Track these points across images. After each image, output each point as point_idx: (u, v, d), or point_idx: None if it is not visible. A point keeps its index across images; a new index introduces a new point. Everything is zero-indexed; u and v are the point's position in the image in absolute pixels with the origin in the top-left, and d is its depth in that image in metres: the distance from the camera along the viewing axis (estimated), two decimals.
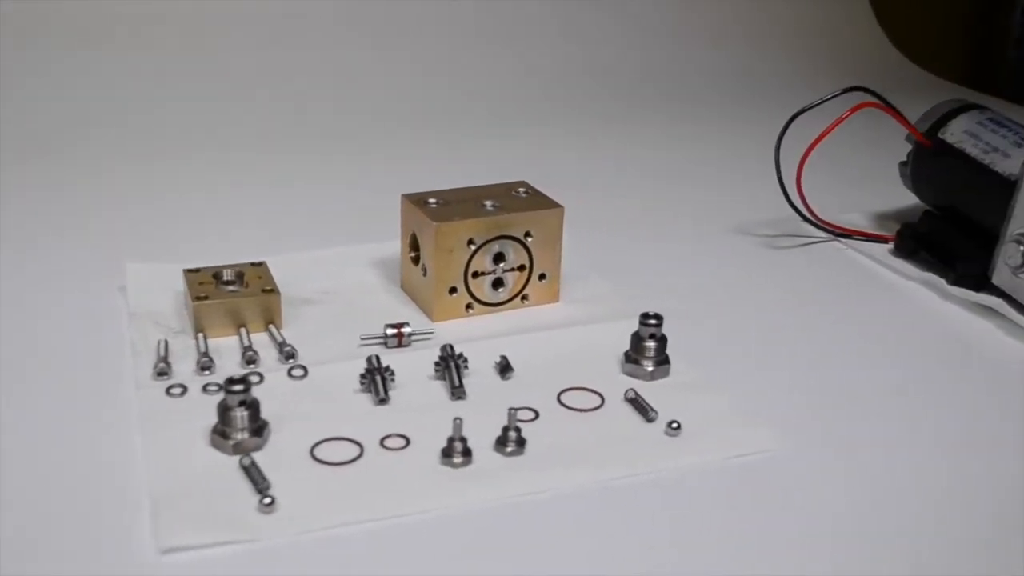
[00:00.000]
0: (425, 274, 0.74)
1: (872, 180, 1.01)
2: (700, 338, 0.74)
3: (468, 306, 0.74)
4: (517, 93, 1.37)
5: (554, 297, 0.77)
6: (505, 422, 0.59)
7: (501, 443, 0.59)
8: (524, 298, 0.76)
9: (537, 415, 0.63)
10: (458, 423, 0.58)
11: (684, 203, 1.02)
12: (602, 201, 1.00)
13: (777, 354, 0.73)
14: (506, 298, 0.75)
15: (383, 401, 0.63)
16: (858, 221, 0.96)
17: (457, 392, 0.64)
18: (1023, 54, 1.75)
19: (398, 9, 1.42)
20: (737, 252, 0.90)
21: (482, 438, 0.60)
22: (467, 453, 0.58)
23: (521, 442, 0.59)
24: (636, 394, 0.64)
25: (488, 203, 0.74)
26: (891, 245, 0.89)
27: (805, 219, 0.89)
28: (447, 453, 0.58)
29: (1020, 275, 0.77)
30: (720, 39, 1.55)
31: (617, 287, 0.80)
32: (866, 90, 0.85)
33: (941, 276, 0.83)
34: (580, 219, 0.86)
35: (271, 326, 0.71)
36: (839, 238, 0.92)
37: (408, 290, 0.77)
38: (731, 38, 1.57)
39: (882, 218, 0.97)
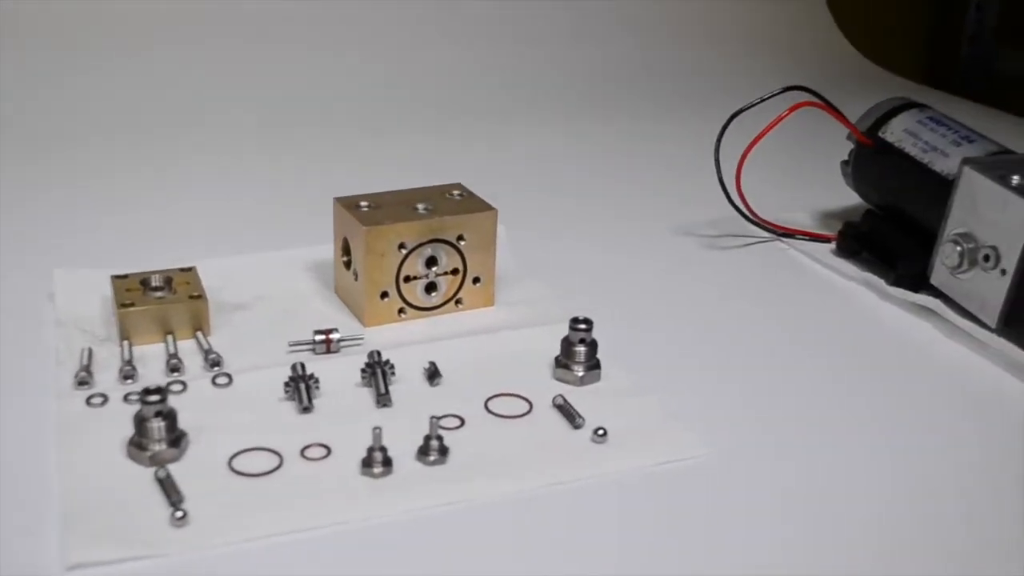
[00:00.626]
0: (356, 279, 0.73)
1: (818, 179, 1.01)
2: (637, 341, 0.73)
3: (400, 311, 0.73)
4: (459, 94, 1.36)
5: (489, 301, 0.76)
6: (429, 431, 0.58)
7: (423, 452, 0.58)
8: (458, 302, 0.75)
9: (463, 422, 0.62)
10: (377, 433, 0.57)
11: (627, 203, 1.01)
12: (544, 202, 1.00)
13: (714, 356, 0.73)
14: (439, 302, 0.74)
15: (307, 410, 0.62)
16: (802, 220, 0.96)
17: (383, 400, 0.63)
18: (977, 51, 1.75)
19: (333, 9, 1.39)
20: (679, 252, 0.89)
21: (407, 446, 0.59)
22: (387, 463, 0.57)
23: (444, 451, 0.58)
24: (564, 400, 0.64)
25: (420, 206, 0.73)
26: (833, 245, 0.89)
27: (746, 219, 0.88)
28: (367, 463, 0.57)
29: (957, 275, 0.77)
30: (672, 38, 1.55)
31: (555, 290, 0.79)
32: (806, 89, 0.85)
33: (881, 276, 0.83)
34: (520, 221, 0.85)
35: (198, 333, 0.70)
36: (781, 238, 0.91)
37: (342, 295, 0.76)
38: (684, 37, 1.56)
39: (827, 217, 0.97)
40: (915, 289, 0.81)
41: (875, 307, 0.81)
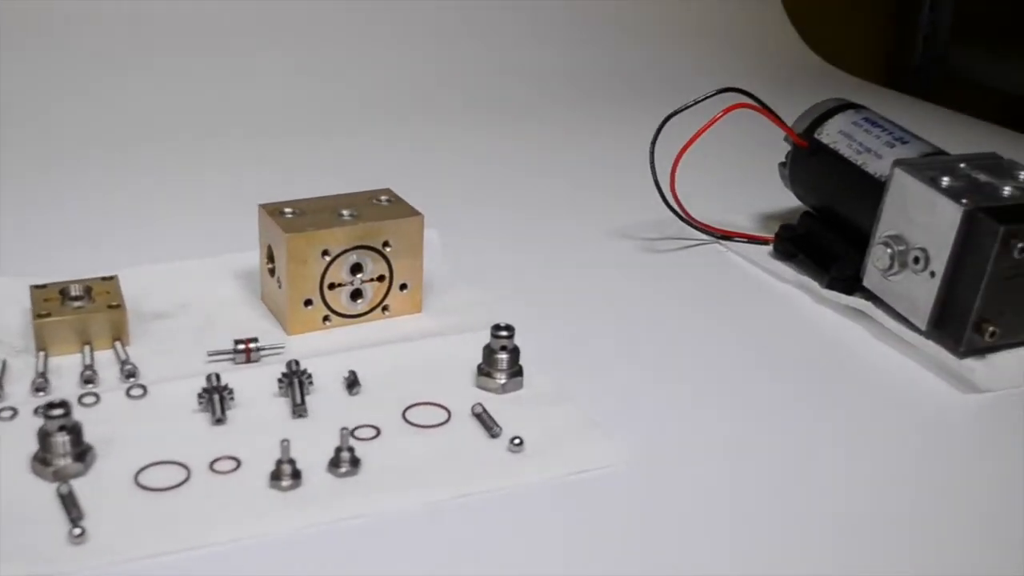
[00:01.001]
0: (280, 286, 0.72)
1: (760, 180, 1.00)
2: (569, 345, 0.73)
3: (325, 318, 0.72)
4: (391, 97, 1.32)
5: (417, 308, 0.75)
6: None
7: (334, 465, 0.57)
8: (385, 309, 0.74)
9: (379, 432, 0.61)
10: (285, 445, 0.56)
11: (566, 206, 1.00)
12: (480, 206, 0.99)
13: (645, 361, 0.72)
14: (365, 309, 0.74)
15: (220, 421, 0.61)
16: (743, 222, 0.95)
17: (298, 410, 0.62)
18: (931, 51, 1.75)
19: (257, 12, 1.36)
20: (617, 255, 0.89)
21: (320, 458, 0.58)
22: (296, 476, 0.56)
23: (355, 462, 0.58)
24: (483, 409, 0.63)
25: (346, 212, 0.72)
26: (772, 247, 0.88)
27: (684, 221, 0.88)
28: (276, 476, 0.56)
29: (888, 278, 0.76)
30: (622, 38, 1.54)
31: (487, 295, 0.79)
32: (740, 91, 0.84)
33: (816, 279, 0.83)
34: (455, 225, 0.85)
35: (116, 343, 0.68)
36: (720, 240, 0.91)
37: (267, 303, 0.75)
38: (631, 36, 1.55)
39: (768, 219, 0.96)
40: (850, 291, 0.80)
41: (810, 310, 0.81)
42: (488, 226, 0.93)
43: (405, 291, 0.74)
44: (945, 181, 0.73)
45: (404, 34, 1.42)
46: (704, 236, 0.91)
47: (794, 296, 0.83)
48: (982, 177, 0.75)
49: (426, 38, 1.43)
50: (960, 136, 1.30)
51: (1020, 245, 0.69)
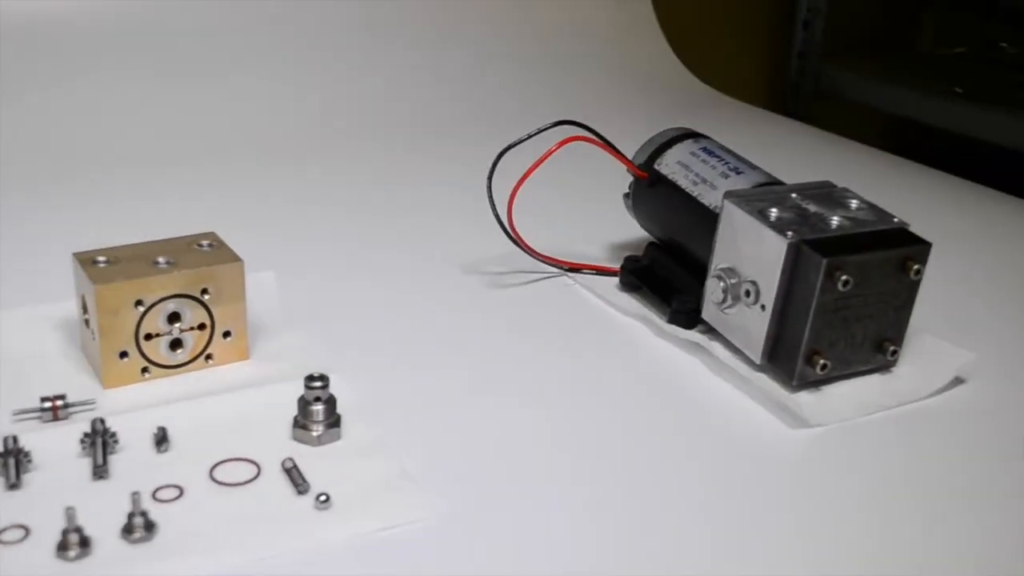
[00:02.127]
0: (94, 338, 0.69)
1: (617, 210, 0.98)
2: (400, 389, 0.71)
3: (144, 370, 0.70)
4: (225, 136, 1.25)
5: (243, 355, 0.73)
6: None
7: (127, 531, 0.55)
8: (208, 358, 0.72)
9: (182, 492, 0.59)
10: (71, 513, 0.53)
11: (413, 242, 0.97)
12: (323, 245, 0.95)
13: (476, 405, 0.70)
14: (187, 359, 0.71)
15: (14, 487, 0.58)
16: (595, 253, 0.94)
17: (99, 471, 0.60)
18: (805, 70, 1.77)
19: (64, 50, 1.26)
20: (462, 292, 0.87)
21: (118, 523, 0.56)
22: (85, 544, 0.54)
23: (150, 527, 0.55)
24: (293, 464, 0.61)
25: (162, 260, 0.70)
26: (618, 279, 0.88)
27: (528, 253, 0.86)
28: (62, 547, 0.53)
29: (724, 311, 0.76)
30: (488, 67, 1.51)
31: (321, 339, 0.76)
32: (576, 124, 0.83)
33: (658, 312, 0.82)
34: (296, 266, 0.83)
35: None
36: (568, 273, 0.90)
37: (86, 354, 0.72)
38: (498, 65, 1.53)
39: (621, 249, 0.95)
40: (691, 324, 0.80)
41: (651, 344, 0.80)
42: (329, 266, 0.91)
43: (229, 338, 0.72)
44: (773, 213, 0.73)
45: (227, 72, 1.33)
46: (553, 269, 0.89)
47: (636, 330, 0.82)
48: (812, 208, 0.75)
49: (258, 74, 1.35)
50: (832, 157, 1.31)
51: (844, 277, 0.69)
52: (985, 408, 0.73)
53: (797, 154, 1.32)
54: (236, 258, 0.72)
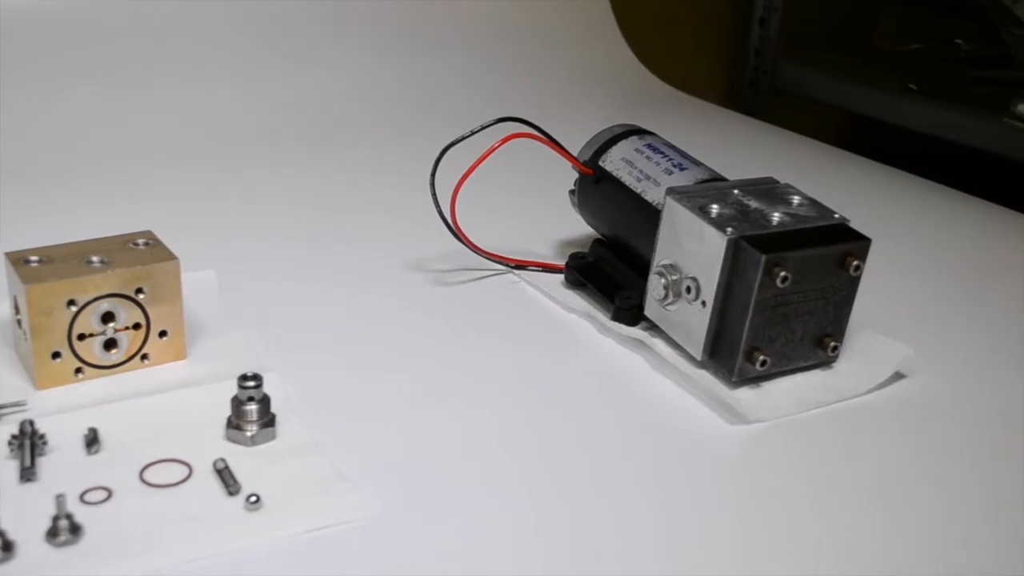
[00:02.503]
0: (26, 338, 0.68)
1: (563, 206, 0.98)
2: (339, 389, 0.71)
3: (78, 370, 0.69)
4: (173, 132, 1.23)
5: (180, 355, 0.72)
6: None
7: (51, 534, 0.54)
8: (144, 358, 0.71)
9: (110, 495, 0.58)
10: None
11: (356, 240, 0.96)
12: (264, 243, 0.94)
13: (417, 403, 0.70)
14: (122, 359, 0.70)
15: None
16: (542, 250, 0.94)
17: (26, 474, 0.59)
18: (761, 66, 1.77)
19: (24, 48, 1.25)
20: (407, 290, 0.87)
21: (44, 526, 0.55)
22: (8, 548, 0.53)
23: (75, 529, 0.54)
24: (225, 464, 0.60)
25: (96, 259, 0.69)
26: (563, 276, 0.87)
27: (472, 250, 0.86)
28: None
29: (666, 307, 0.75)
30: (441, 65, 1.51)
31: (259, 338, 0.76)
32: (519, 120, 0.83)
33: (602, 308, 0.82)
34: (237, 264, 0.82)
35: None
36: (514, 270, 0.89)
37: (19, 355, 0.71)
38: (453, 62, 1.53)
39: (568, 246, 0.95)
40: (635, 321, 0.80)
41: (594, 341, 0.80)
42: (273, 265, 0.90)
43: (165, 338, 0.71)
44: (714, 209, 0.73)
45: (170, 71, 1.31)
46: (498, 266, 0.89)
47: (581, 327, 0.82)
48: (753, 204, 0.75)
49: (203, 72, 1.33)
50: (786, 153, 1.32)
51: (783, 274, 0.69)
52: (925, 402, 0.74)
53: (752, 151, 1.33)
54: (172, 256, 0.71)
